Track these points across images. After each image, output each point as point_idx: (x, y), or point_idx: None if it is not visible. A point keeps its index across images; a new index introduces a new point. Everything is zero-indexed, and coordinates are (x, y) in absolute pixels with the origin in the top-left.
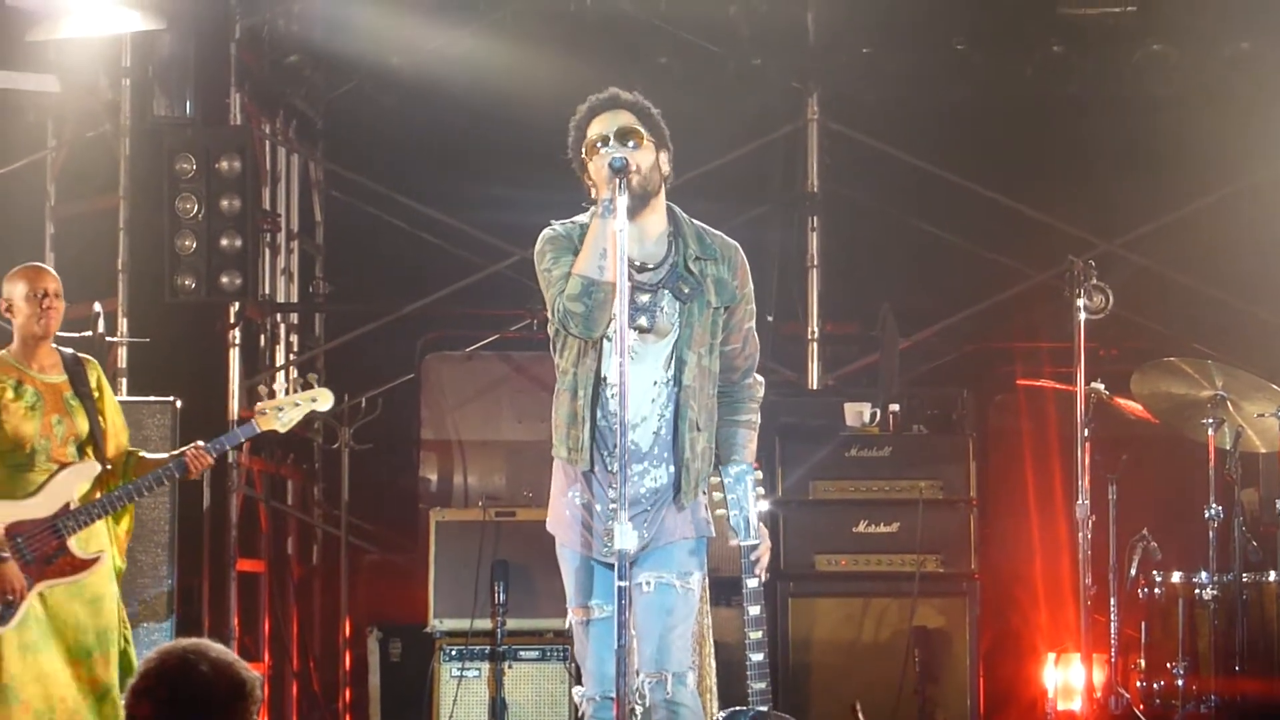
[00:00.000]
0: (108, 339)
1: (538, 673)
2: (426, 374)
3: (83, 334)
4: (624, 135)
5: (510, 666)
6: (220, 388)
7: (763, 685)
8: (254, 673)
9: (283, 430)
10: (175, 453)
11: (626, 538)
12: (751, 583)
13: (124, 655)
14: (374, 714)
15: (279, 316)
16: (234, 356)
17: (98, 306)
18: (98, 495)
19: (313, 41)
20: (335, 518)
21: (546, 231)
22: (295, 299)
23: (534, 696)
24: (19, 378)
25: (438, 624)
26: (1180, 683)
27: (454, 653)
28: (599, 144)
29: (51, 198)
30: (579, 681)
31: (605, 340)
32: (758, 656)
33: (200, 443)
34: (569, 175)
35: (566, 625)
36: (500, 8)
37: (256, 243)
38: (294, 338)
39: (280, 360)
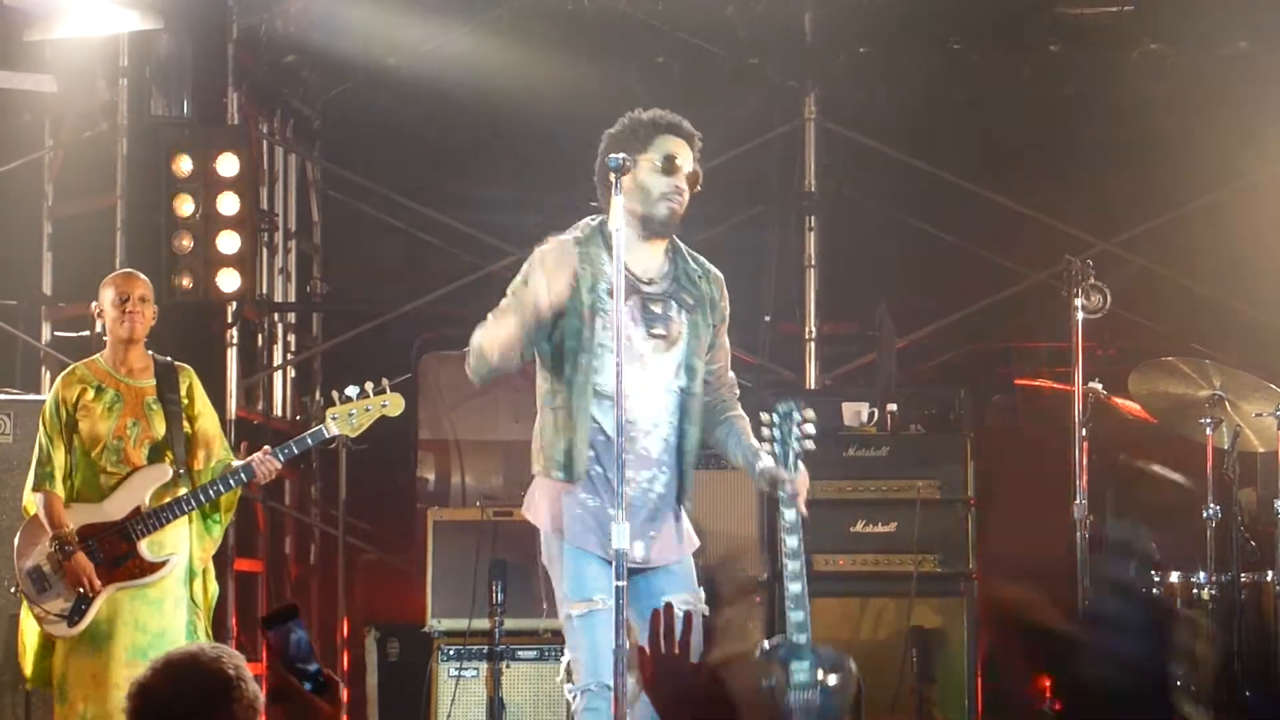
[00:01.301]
0: (104, 338)
1: (536, 672)
2: (424, 374)
3: (80, 334)
4: (694, 181)
5: (508, 666)
6: (218, 388)
7: (800, 616)
8: (248, 673)
9: (353, 435)
10: (245, 461)
11: (623, 537)
12: (790, 514)
13: None
14: (371, 714)
15: (276, 316)
16: (231, 356)
17: (95, 306)
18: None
19: (310, 41)
20: (333, 517)
21: (537, 250)
22: (293, 299)
23: (532, 696)
24: (103, 380)
25: (435, 624)
26: (1177, 682)
27: (452, 652)
28: (661, 164)
29: (49, 197)
30: (570, 679)
31: (603, 350)
32: (795, 587)
33: (268, 447)
34: (565, 175)
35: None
36: (497, 7)
37: (254, 243)
38: (291, 337)
39: (278, 360)
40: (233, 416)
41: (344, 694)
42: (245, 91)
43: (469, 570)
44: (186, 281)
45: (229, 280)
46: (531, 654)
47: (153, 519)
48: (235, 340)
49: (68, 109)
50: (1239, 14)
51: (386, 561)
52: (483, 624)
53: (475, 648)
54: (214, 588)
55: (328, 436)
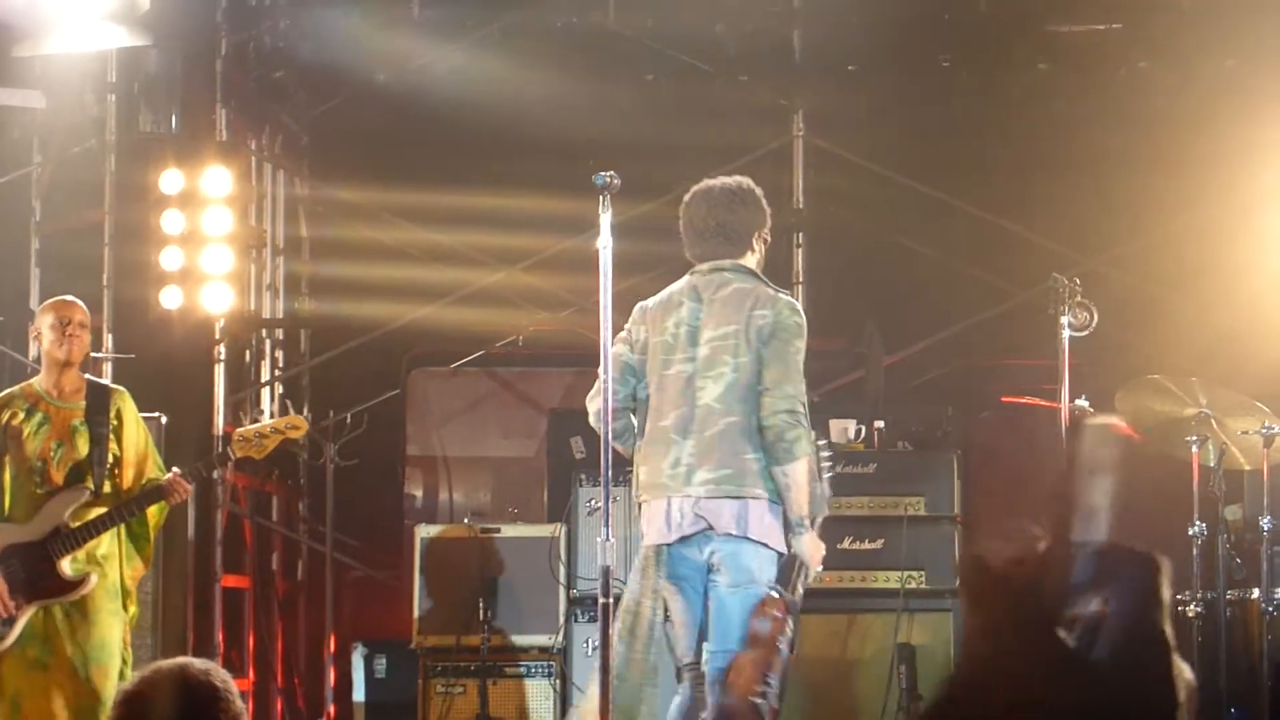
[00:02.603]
0: (92, 355)
1: (523, 689)
2: (412, 390)
3: None
4: None
5: (495, 683)
6: (205, 404)
7: None
8: (235, 689)
9: (259, 457)
10: (157, 481)
11: (611, 554)
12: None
13: (123, 676)
14: None
15: (264, 332)
16: (219, 372)
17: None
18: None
19: (299, 58)
20: (320, 534)
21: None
22: (280, 315)
23: (518, 713)
24: (34, 402)
25: (422, 640)
26: None
27: (439, 669)
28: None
29: (37, 213)
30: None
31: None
32: None
33: (177, 469)
34: (555, 191)
35: (551, 642)
36: (487, 24)
37: (242, 258)
38: (279, 354)
39: (265, 376)
40: (219, 433)
41: (331, 711)
42: (234, 108)
43: (457, 587)
44: (174, 297)
45: (217, 296)
46: (519, 670)
47: (71, 538)
48: (223, 356)
49: (56, 125)
50: (1226, 32)
51: (374, 578)
52: (470, 640)
53: (463, 664)
54: (135, 608)
55: (233, 459)
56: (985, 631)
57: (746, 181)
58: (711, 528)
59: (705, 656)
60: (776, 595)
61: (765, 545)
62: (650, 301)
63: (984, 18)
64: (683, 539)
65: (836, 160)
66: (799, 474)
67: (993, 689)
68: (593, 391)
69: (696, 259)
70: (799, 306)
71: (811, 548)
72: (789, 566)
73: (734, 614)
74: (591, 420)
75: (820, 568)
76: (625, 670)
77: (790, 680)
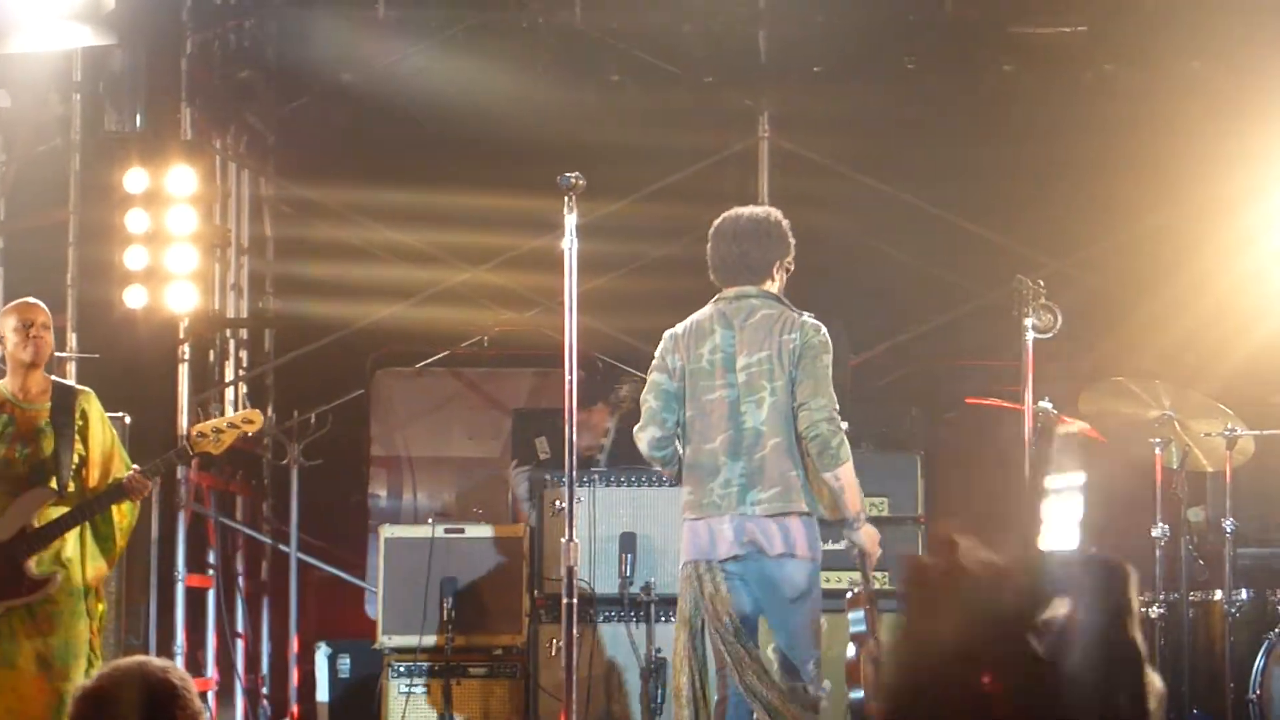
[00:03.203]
0: (57, 354)
1: (486, 689)
2: (377, 390)
3: None
4: None
5: (459, 683)
6: (169, 403)
7: None
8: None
9: (216, 452)
10: (116, 479)
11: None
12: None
13: (88, 675)
14: None
15: (229, 332)
16: (183, 372)
17: None
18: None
19: (264, 57)
20: (284, 534)
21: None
22: (245, 315)
23: (482, 713)
24: (0, 405)
25: (386, 640)
26: None
27: (402, 669)
28: None
29: (1, 212)
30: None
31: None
32: None
33: (137, 467)
34: (520, 191)
35: (515, 641)
36: (453, 25)
37: (207, 258)
38: (244, 353)
39: (230, 376)
40: (184, 432)
41: (294, 711)
42: (199, 107)
43: (420, 587)
44: (139, 297)
45: (181, 295)
46: (482, 670)
47: (37, 538)
48: (187, 356)
49: (21, 124)
50: (1191, 35)
51: (338, 578)
52: (433, 640)
53: (426, 664)
54: (103, 605)
55: (192, 454)
56: (926, 637)
57: (774, 213)
58: (763, 552)
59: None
60: (858, 591)
61: (810, 560)
62: (679, 329)
63: (949, 20)
64: (734, 558)
65: (802, 162)
66: (848, 475)
67: (954, 693)
68: (642, 422)
69: (721, 284)
70: (821, 325)
71: (869, 539)
72: (859, 561)
73: (799, 625)
74: (644, 448)
75: (880, 551)
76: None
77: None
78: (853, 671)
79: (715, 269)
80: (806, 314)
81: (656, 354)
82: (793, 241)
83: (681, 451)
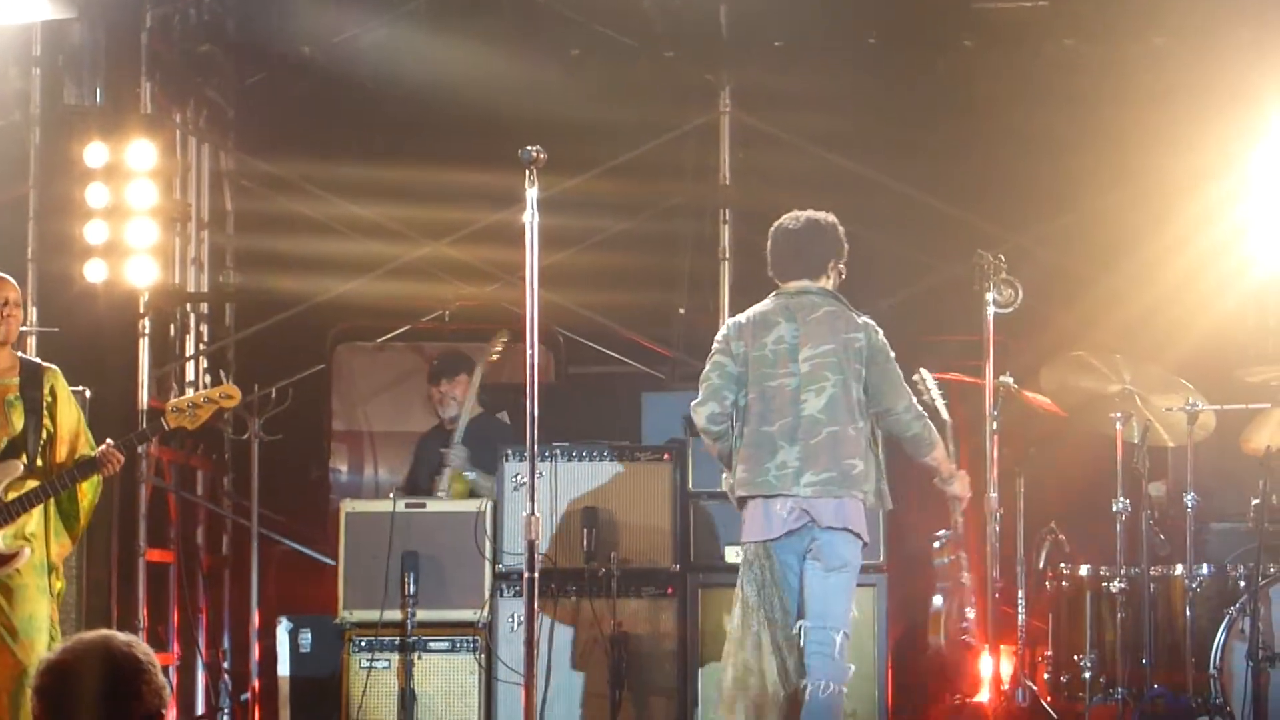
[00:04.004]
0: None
1: (447, 664)
2: (337, 365)
3: None
4: None
5: (420, 658)
6: (130, 377)
7: None
8: (158, 663)
9: (192, 427)
10: (89, 455)
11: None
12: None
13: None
14: (283, 705)
15: (189, 306)
16: (144, 346)
17: None
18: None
19: (224, 31)
20: (245, 508)
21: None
22: (205, 289)
23: (443, 687)
24: None
25: (347, 615)
26: (1087, 675)
27: (363, 644)
28: None
29: None
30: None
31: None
32: None
33: (110, 440)
34: (481, 165)
35: (476, 616)
36: None
37: (167, 232)
38: (204, 328)
39: (190, 350)
40: (144, 407)
41: (255, 685)
42: (159, 81)
43: (381, 562)
44: (99, 271)
45: (141, 270)
46: (443, 645)
47: (5, 513)
48: (147, 330)
49: None
50: (1152, 10)
51: (299, 552)
52: (395, 615)
53: (387, 639)
54: (62, 583)
55: (167, 429)
56: None
57: (830, 216)
58: (814, 522)
59: (800, 632)
60: (944, 536)
61: (858, 536)
62: (742, 318)
63: None
64: (789, 533)
65: (762, 137)
66: (939, 453)
67: None
68: (702, 397)
69: (780, 280)
70: (877, 326)
71: (961, 487)
72: (953, 504)
73: (834, 593)
74: (700, 421)
75: (970, 494)
76: (749, 653)
77: (716, 655)
78: (935, 621)
79: (774, 265)
80: (863, 315)
81: (719, 338)
82: (846, 245)
83: (736, 433)
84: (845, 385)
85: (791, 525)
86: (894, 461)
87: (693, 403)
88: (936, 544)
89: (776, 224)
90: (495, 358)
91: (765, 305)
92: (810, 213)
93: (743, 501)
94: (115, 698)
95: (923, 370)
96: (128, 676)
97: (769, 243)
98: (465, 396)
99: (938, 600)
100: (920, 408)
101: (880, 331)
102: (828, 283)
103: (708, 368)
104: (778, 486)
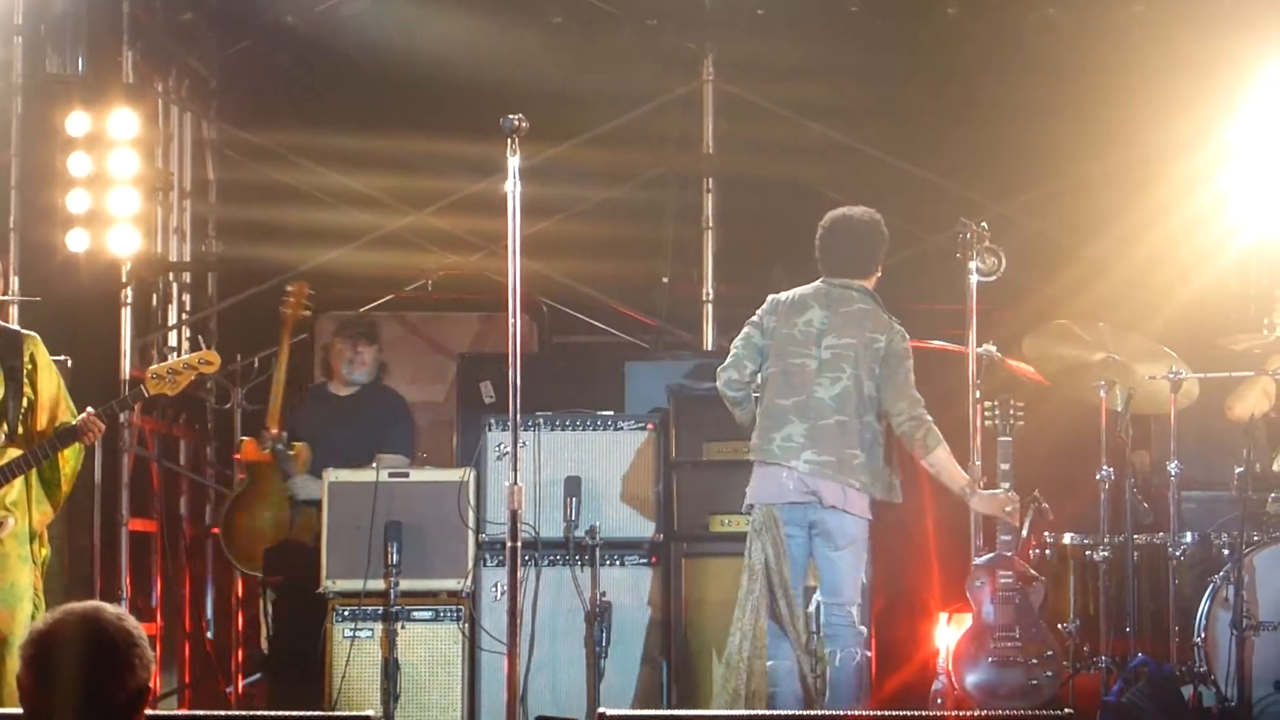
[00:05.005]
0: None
1: (431, 633)
2: (320, 334)
3: None
4: None
5: (403, 627)
6: (112, 347)
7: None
8: (145, 635)
9: (172, 393)
10: (69, 423)
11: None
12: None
13: (34, 619)
14: (266, 675)
15: (171, 276)
16: (126, 316)
17: None
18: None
19: (206, 0)
20: (228, 478)
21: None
22: (188, 258)
23: (427, 657)
24: None
25: (330, 584)
26: (1071, 643)
27: (347, 613)
28: None
29: None
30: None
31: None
32: None
33: (91, 409)
34: (463, 134)
35: (459, 586)
36: None
37: (149, 201)
38: (186, 297)
39: (172, 320)
40: (126, 376)
41: (238, 655)
42: (140, 50)
43: (364, 531)
44: (81, 240)
45: (123, 239)
46: (427, 615)
47: None
48: (129, 300)
49: None
50: None
51: None
52: (378, 585)
53: (370, 608)
54: (46, 550)
55: (147, 396)
56: None
57: (878, 215)
58: (819, 500)
59: (815, 609)
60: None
61: (863, 518)
62: (783, 296)
63: None
64: (792, 504)
65: (746, 105)
66: (939, 459)
67: None
68: (727, 362)
69: (829, 274)
70: (906, 333)
71: (986, 507)
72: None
73: (844, 570)
74: (720, 384)
75: (1011, 507)
76: (756, 617)
77: (700, 623)
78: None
79: (824, 261)
80: (895, 320)
81: (758, 312)
82: (887, 238)
83: (758, 401)
84: (858, 380)
85: (795, 498)
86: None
87: (718, 368)
88: (977, 582)
89: (835, 217)
90: (306, 314)
91: (807, 289)
92: (860, 213)
93: (755, 466)
94: (106, 670)
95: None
96: (119, 649)
97: (823, 233)
98: (371, 366)
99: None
100: (923, 413)
101: (906, 337)
102: (871, 282)
103: (738, 338)
104: (780, 457)
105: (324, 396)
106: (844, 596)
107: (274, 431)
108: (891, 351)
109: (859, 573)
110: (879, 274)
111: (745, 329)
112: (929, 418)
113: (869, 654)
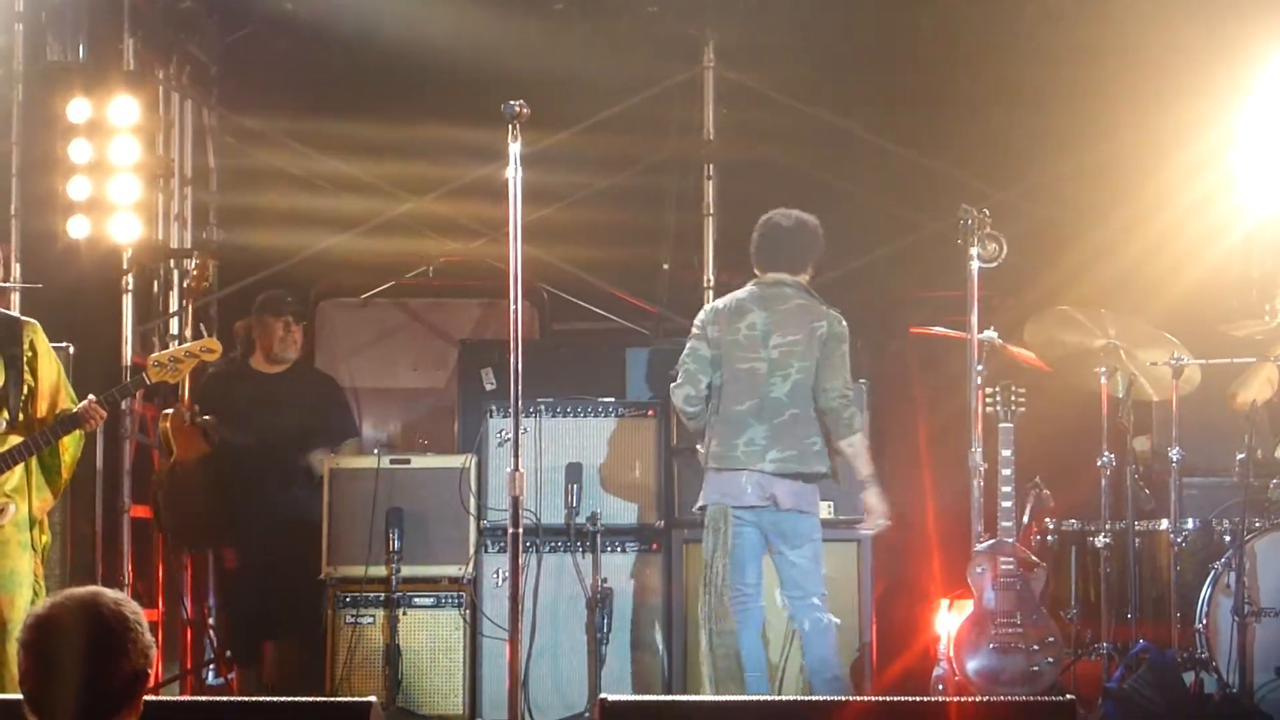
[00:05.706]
0: (1, 284)
1: (432, 620)
2: (321, 321)
3: None
4: None
5: (405, 614)
6: (113, 334)
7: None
8: (145, 621)
9: (173, 381)
10: (70, 410)
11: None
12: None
13: (33, 605)
14: (268, 661)
15: (172, 263)
16: (127, 302)
17: None
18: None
19: None
20: None
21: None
22: (189, 245)
23: (428, 643)
24: None
25: (332, 571)
26: (1073, 629)
27: (348, 600)
28: None
29: None
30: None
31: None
32: None
33: (93, 396)
34: (464, 121)
35: (460, 572)
36: None
37: (150, 188)
38: (187, 284)
39: (173, 307)
40: (128, 362)
41: None
42: (141, 37)
43: (365, 518)
44: (82, 227)
45: (125, 226)
46: (428, 601)
47: None
48: (130, 286)
49: None
50: None
51: None
52: (379, 571)
53: (372, 595)
54: (47, 537)
55: (149, 383)
56: None
57: (814, 219)
58: (775, 504)
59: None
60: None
61: (815, 515)
62: (720, 304)
63: None
64: (750, 507)
65: (747, 92)
66: (858, 442)
67: None
68: (679, 380)
69: (762, 270)
70: (842, 318)
71: (875, 500)
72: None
73: (805, 568)
74: (677, 402)
75: (882, 521)
76: (717, 608)
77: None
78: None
79: (758, 255)
80: (832, 308)
81: (697, 323)
82: (823, 242)
83: (711, 409)
84: (807, 371)
85: (753, 502)
86: (880, 420)
87: (671, 385)
88: (978, 568)
89: (767, 218)
90: (206, 284)
91: (741, 293)
92: (799, 213)
93: (709, 473)
94: (102, 655)
95: None
96: (116, 634)
97: (756, 234)
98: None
99: None
100: (851, 396)
101: (844, 323)
102: (803, 278)
103: (685, 353)
104: (745, 462)
105: (246, 374)
106: (807, 590)
107: (194, 407)
108: (831, 334)
109: (819, 566)
110: (810, 274)
111: (690, 343)
112: (855, 404)
113: (837, 621)
